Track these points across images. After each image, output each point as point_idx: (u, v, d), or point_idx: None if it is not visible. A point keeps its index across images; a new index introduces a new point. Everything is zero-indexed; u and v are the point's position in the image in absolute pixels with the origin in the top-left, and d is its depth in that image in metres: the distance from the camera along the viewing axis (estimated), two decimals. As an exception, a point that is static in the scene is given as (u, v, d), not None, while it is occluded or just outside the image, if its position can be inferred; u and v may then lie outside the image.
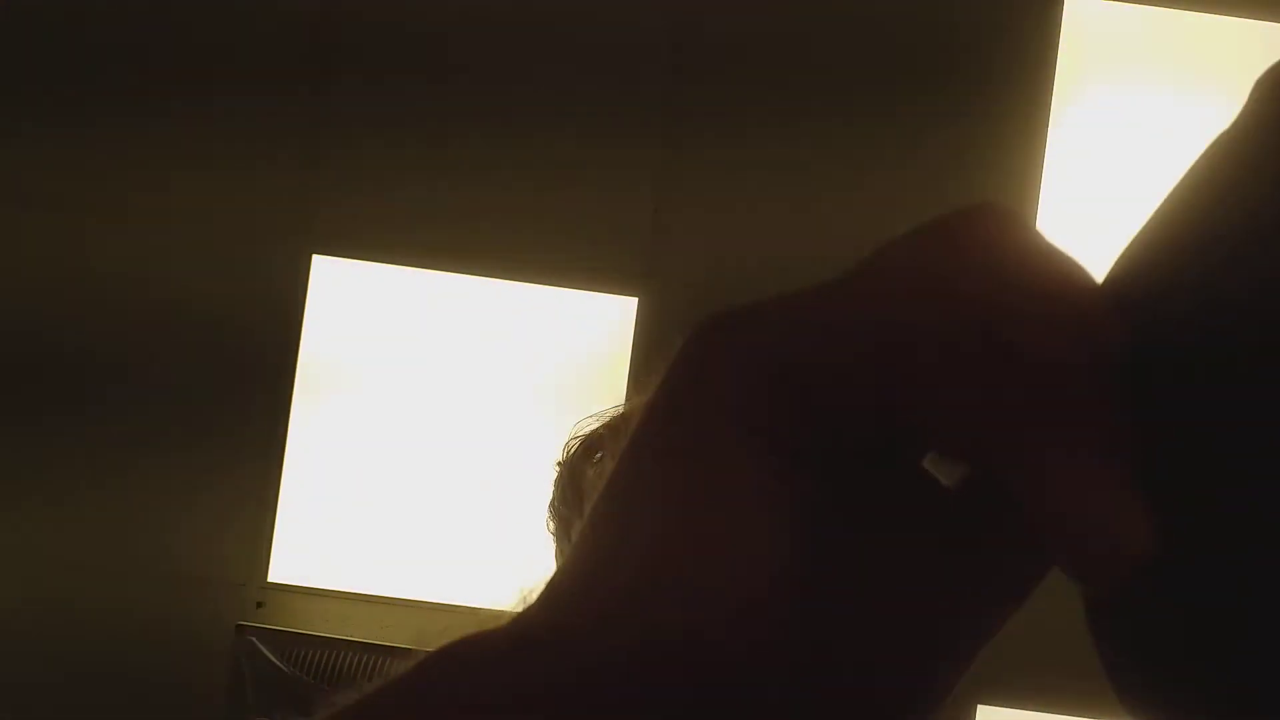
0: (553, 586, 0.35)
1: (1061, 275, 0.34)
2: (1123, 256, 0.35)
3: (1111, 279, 0.35)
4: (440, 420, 3.75)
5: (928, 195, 3.70)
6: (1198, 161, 0.35)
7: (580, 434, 1.38)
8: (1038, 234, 0.35)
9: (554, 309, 3.74)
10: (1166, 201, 0.35)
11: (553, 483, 1.38)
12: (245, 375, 3.73)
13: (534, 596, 0.36)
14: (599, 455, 1.32)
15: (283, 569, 3.74)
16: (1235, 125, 0.35)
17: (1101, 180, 3.68)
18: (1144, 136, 3.67)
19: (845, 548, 0.36)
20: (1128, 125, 3.70)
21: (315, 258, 3.75)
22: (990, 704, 3.64)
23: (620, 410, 1.39)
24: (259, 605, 3.71)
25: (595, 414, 1.39)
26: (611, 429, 1.33)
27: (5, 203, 3.77)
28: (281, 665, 3.56)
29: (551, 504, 1.38)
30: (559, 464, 1.38)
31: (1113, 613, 0.34)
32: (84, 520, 3.71)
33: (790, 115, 3.74)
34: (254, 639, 3.58)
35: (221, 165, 3.74)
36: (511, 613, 0.37)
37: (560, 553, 1.35)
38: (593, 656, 0.34)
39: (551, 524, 1.37)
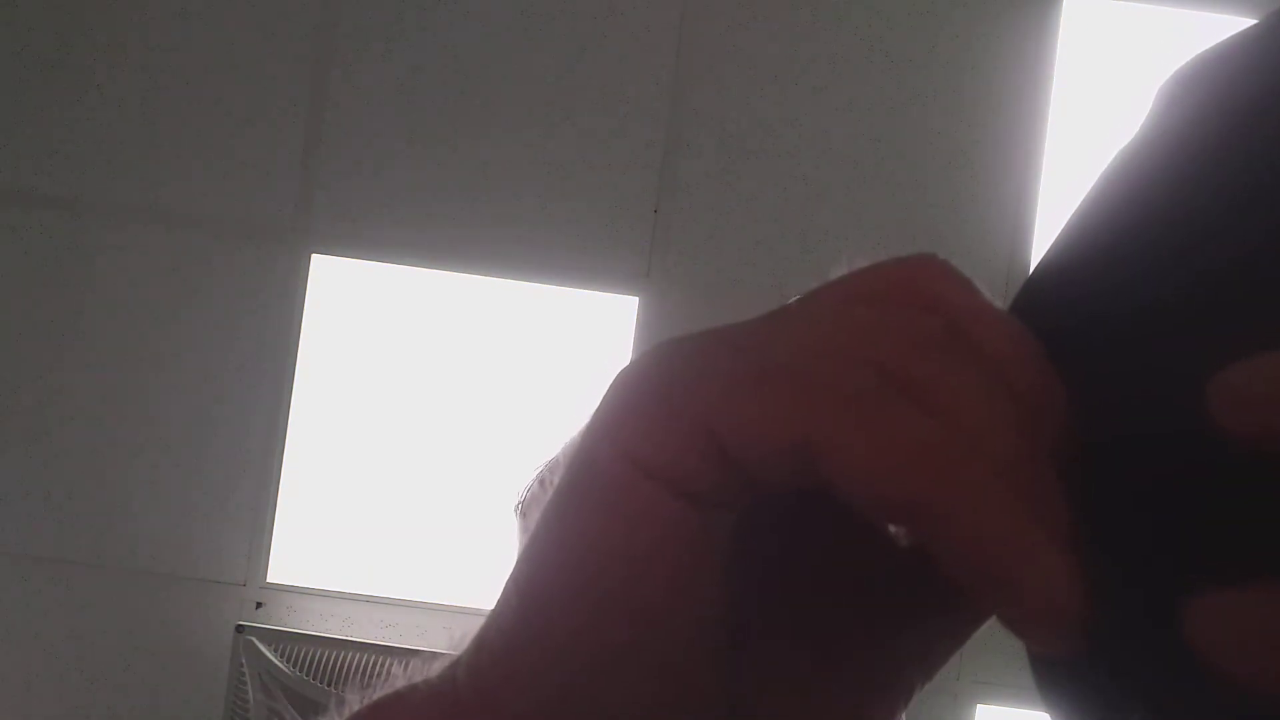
0: (479, 640, 0.35)
1: (997, 331, 0.32)
2: (1042, 262, 0.35)
3: (1031, 285, 0.34)
4: (440, 420, 3.75)
5: (928, 194, 3.70)
6: (1105, 171, 0.35)
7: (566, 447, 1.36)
8: (974, 288, 0.33)
9: (554, 309, 3.74)
10: (1077, 213, 0.35)
11: (524, 489, 1.36)
12: (245, 375, 3.73)
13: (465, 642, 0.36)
14: None
15: (283, 569, 3.74)
16: (1139, 132, 0.35)
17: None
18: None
19: (768, 593, 0.35)
20: (1127, 125, 3.69)
21: (314, 257, 3.75)
22: (990, 704, 3.64)
23: None
24: (259, 605, 3.71)
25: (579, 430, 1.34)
26: None
27: (6, 202, 3.77)
28: (281, 665, 3.56)
29: (518, 506, 1.35)
30: (539, 477, 1.36)
31: (1048, 667, 0.33)
32: (84, 520, 3.70)
33: (791, 114, 3.74)
34: (254, 639, 3.58)
35: (221, 165, 3.74)
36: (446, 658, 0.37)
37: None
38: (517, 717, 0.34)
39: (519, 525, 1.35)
